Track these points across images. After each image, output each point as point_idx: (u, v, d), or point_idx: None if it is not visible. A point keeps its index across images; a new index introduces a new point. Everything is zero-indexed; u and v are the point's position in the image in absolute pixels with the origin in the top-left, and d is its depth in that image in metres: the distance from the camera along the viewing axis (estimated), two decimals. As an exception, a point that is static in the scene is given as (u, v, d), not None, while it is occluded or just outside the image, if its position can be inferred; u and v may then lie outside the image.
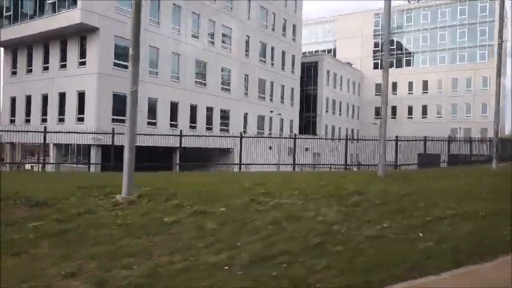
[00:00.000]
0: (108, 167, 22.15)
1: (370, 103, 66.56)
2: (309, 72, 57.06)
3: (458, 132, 58.38)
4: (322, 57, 56.83)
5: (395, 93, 65.12)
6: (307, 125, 56.53)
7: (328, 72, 57.29)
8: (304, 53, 59.43)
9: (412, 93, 64.13)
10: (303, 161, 30.52)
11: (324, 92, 56.25)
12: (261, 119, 43.12)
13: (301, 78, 56.08)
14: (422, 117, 62.97)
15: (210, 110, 36.16)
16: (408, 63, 65.06)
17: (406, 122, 63.29)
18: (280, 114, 44.56)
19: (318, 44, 71.78)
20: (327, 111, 57.18)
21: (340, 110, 60.91)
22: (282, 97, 46.96)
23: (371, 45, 67.53)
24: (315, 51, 65.85)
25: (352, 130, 63.65)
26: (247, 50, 40.89)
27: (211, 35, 36.39)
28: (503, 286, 3.98)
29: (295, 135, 26.03)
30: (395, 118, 64.60)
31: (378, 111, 64.98)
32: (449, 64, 61.83)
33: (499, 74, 17.54)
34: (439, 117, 61.94)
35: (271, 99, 44.88)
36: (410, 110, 64.15)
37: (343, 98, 61.63)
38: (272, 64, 45.02)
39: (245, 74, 40.57)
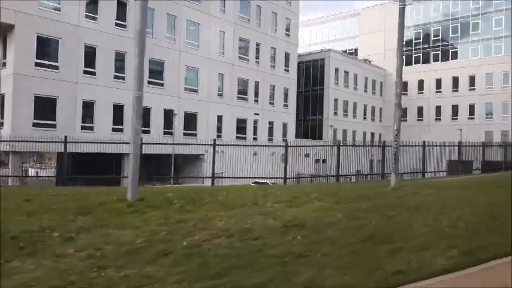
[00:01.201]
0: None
1: (391, 103, 59.71)
2: (315, 71, 52.24)
3: (493, 135, 50.38)
4: (328, 54, 51.64)
5: (422, 93, 58.00)
6: (313, 129, 51.68)
7: (337, 70, 51.97)
8: (314, 52, 54.73)
9: (440, 92, 56.60)
10: (298, 171, 27.66)
11: (330, 92, 51.02)
12: (241, 122, 39.31)
13: (306, 78, 51.60)
14: (453, 119, 55.21)
15: (169, 112, 33.10)
16: (436, 58, 57.60)
17: (434, 124, 55.96)
18: (258, 114, 40.33)
19: (339, 41, 66.26)
20: (335, 113, 51.81)
21: (354, 112, 55.11)
22: (272, 98, 42.78)
23: (395, 39, 60.65)
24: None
25: (373, 134, 57.53)
26: (222, 47, 37.41)
27: (171, 31, 33.42)
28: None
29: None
30: (421, 120, 57.56)
31: (403, 113, 58.37)
32: (483, 57, 53.67)
33: None
34: (472, 118, 53.90)
35: (256, 101, 40.89)
36: (438, 111, 56.62)
37: (359, 99, 55.75)
38: (257, 62, 41.08)
39: (219, 73, 37.08)
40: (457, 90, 55.28)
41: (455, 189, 12.47)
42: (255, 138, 39.66)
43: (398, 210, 8.60)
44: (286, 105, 44.60)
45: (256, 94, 41.01)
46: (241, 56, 39.26)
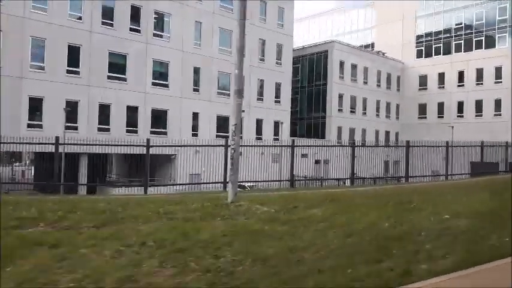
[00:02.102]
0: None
1: (412, 99, 54.80)
2: (318, 65, 48.51)
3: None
4: (332, 45, 47.66)
5: (442, 87, 52.45)
6: (316, 127, 47.99)
7: (342, 63, 47.89)
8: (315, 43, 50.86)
9: (462, 85, 50.84)
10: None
11: (334, 87, 47.05)
12: (223, 120, 36.50)
13: (309, 72, 48.18)
14: (476, 116, 49.38)
15: (133, 109, 31.00)
16: (458, 48, 51.81)
17: (456, 122, 50.30)
18: (243, 111, 37.33)
19: (353, 33, 61.79)
20: (340, 110, 47.77)
21: (364, 109, 50.70)
22: (261, 94, 39.67)
23: (413, 29, 55.54)
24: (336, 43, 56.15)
25: (388, 133, 52.77)
26: (198, 39, 34.85)
27: (136, 23, 31.25)
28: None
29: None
30: (442, 117, 52.08)
31: (422, 109, 53.46)
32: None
33: None
34: (498, 115, 47.85)
35: (241, 97, 37.93)
36: (460, 107, 50.90)
37: (370, 94, 51.22)
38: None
39: (195, 67, 34.55)
40: (481, 84, 49.36)
41: (339, 202, 9.37)
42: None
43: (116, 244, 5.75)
44: (279, 101, 41.30)
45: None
46: (223, 48, 36.48)
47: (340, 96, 47.75)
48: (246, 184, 24.55)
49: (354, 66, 49.28)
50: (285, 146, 23.28)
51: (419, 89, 54.58)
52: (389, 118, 54.09)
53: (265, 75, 39.73)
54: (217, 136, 35.17)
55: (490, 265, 4.30)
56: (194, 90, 34.66)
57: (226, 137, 35.71)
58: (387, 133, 52.83)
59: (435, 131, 50.44)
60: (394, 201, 9.89)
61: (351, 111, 49.06)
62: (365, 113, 50.71)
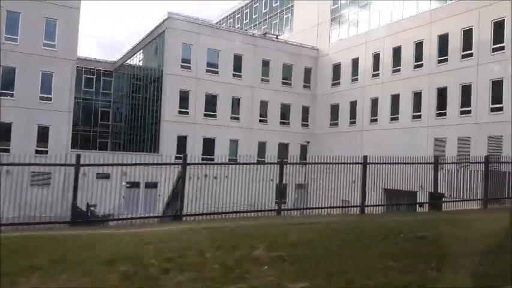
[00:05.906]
0: None
1: (323, 98, 39.01)
2: (158, 53, 35.62)
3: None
4: (168, 23, 34.24)
5: (356, 79, 35.98)
6: (153, 137, 34.87)
7: (188, 47, 34.30)
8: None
9: (377, 75, 34.01)
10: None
11: (169, 81, 33.55)
12: None
13: (151, 63, 35.86)
14: (392, 120, 32.28)
15: None
16: (376, 21, 35.14)
17: (369, 129, 33.86)
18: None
19: (274, 16, 47.63)
20: (183, 112, 33.96)
21: (236, 113, 36.23)
22: (9, 87, 27.95)
23: (329, 5, 39.82)
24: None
25: (286, 145, 37.49)
26: None
27: None
28: None
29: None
30: (354, 123, 35.65)
31: (335, 114, 37.78)
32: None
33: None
34: (417, 117, 30.46)
35: (-37, 91, 26.66)
36: (374, 108, 33.99)
37: (248, 93, 36.59)
38: (-32, 32, 26.98)
39: None
40: (398, 71, 32.27)
41: None
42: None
43: None
44: (49, 99, 29.14)
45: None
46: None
47: (184, 94, 34.01)
48: None
49: (214, 52, 35.29)
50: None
51: (332, 85, 38.46)
52: (289, 125, 38.59)
53: (19, 61, 28.02)
54: None
55: None
56: None
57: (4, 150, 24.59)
58: (283, 146, 37.39)
59: (346, 142, 34.65)
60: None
61: (208, 115, 34.90)
62: (237, 118, 36.13)
